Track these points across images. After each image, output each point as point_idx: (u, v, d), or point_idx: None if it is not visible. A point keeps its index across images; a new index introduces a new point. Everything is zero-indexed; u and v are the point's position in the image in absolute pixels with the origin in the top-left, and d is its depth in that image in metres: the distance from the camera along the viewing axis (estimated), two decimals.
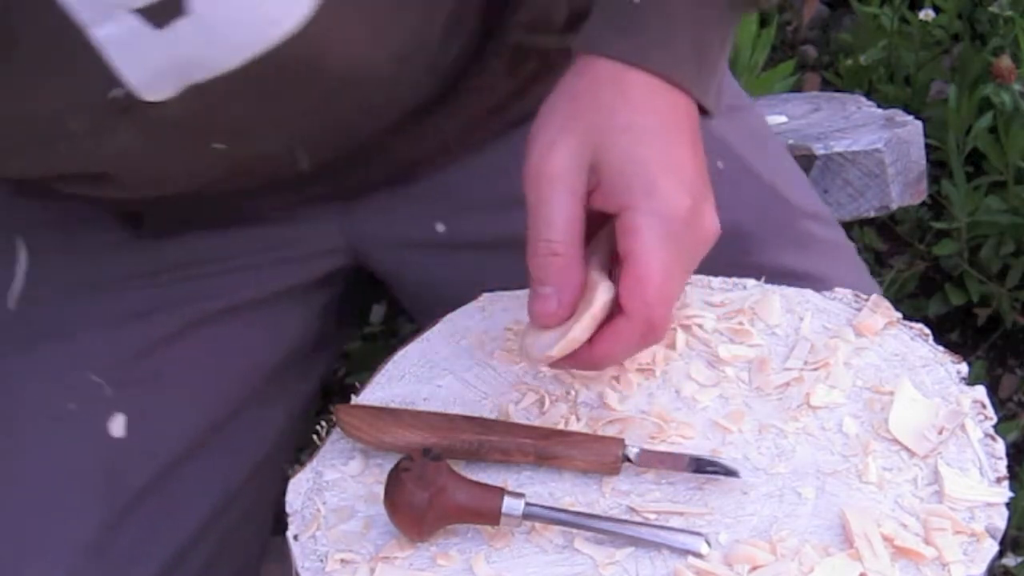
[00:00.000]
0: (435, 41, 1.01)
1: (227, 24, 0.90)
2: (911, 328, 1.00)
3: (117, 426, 1.04)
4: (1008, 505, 0.87)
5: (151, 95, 0.92)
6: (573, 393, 0.97)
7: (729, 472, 0.89)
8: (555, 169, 0.89)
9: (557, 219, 0.88)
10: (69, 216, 1.10)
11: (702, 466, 0.90)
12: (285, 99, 0.97)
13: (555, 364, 0.92)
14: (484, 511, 0.86)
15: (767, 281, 1.04)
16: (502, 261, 0.97)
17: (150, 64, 0.90)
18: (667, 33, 0.91)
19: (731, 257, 1.01)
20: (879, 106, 2.04)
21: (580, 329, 0.89)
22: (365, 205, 1.14)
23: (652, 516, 0.88)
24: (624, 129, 0.89)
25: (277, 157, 1.04)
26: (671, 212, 0.88)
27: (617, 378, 0.97)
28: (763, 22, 2.10)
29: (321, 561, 0.86)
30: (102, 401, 1.05)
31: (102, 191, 1.04)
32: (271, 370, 1.13)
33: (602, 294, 0.89)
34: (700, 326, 1.00)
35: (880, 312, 1.01)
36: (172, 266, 1.11)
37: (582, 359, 0.90)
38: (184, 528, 1.06)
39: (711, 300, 1.03)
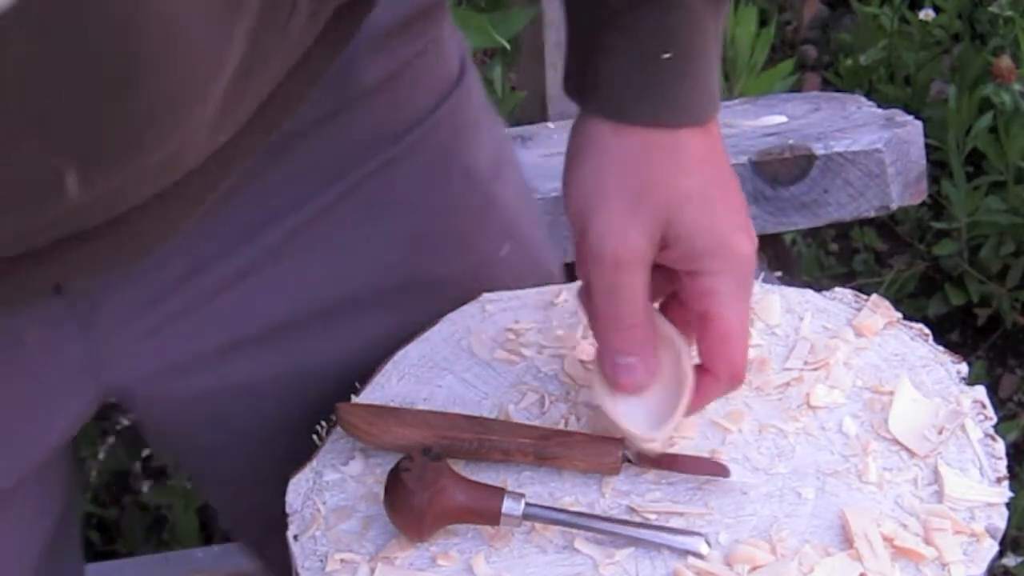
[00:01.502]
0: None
1: None
2: (911, 328, 1.00)
3: None
4: (1008, 505, 0.87)
5: None
6: (573, 393, 0.97)
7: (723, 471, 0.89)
8: (634, 255, 0.85)
9: (639, 299, 0.86)
10: None
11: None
12: (64, 69, 0.62)
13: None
14: (484, 511, 0.86)
15: None
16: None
17: None
18: (703, 78, 0.85)
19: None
20: (879, 106, 2.04)
21: (682, 411, 0.89)
22: (111, 306, 0.90)
23: (652, 516, 0.88)
24: (690, 198, 0.85)
25: (29, 178, 0.68)
26: (741, 265, 0.88)
27: None
28: (763, 22, 2.10)
29: (321, 561, 0.86)
30: None
31: None
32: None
33: (686, 360, 0.88)
34: None
35: (880, 312, 1.01)
36: None
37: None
38: None
39: None
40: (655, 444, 0.89)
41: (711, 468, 0.89)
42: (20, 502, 0.93)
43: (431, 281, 1.01)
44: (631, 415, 0.89)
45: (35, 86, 0.62)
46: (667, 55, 0.82)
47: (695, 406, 0.91)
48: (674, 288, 0.90)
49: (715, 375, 0.89)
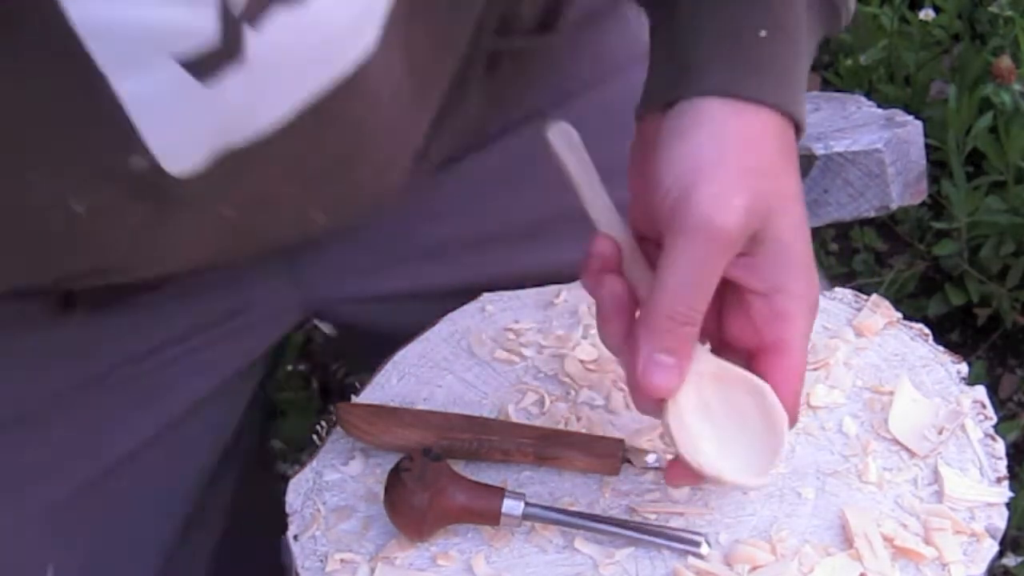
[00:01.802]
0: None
1: (282, 68, 0.75)
2: (911, 328, 1.00)
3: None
4: (1008, 505, 0.87)
5: (175, 165, 0.76)
6: (573, 393, 0.97)
7: None
8: (732, 234, 0.76)
9: (711, 289, 0.77)
10: None
11: None
12: (317, 157, 0.84)
13: (679, 480, 0.85)
14: (484, 511, 0.86)
15: None
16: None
17: (183, 126, 0.74)
18: (798, 73, 0.82)
19: None
20: (879, 106, 2.04)
21: (784, 447, 0.82)
22: (313, 254, 1.04)
23: (652, 516, 0.88)
24: (795, 198, 0.80)
25: (289, 221, 0.91)
26: (815, 300, 0.82)
27: (617, 380, 0.97)
28: None
29: (321, 561, 0.86)
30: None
31: (89, 282, 0.89)
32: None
33: (772, 397, 0.81)
34: None
35: (880, 312, 1.01)
36: (111, 360, 0.99)
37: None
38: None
39: None
40: (761, 482, 0.83)
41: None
42: (212, 409, 1.05)
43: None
44: (719, 457, 0.81)
45: (298, 163, 0.84)
46: (763, 32, 0.79)
47: None
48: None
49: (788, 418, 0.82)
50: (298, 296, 1.07)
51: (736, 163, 0.77)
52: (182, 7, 0.67)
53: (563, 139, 0.85)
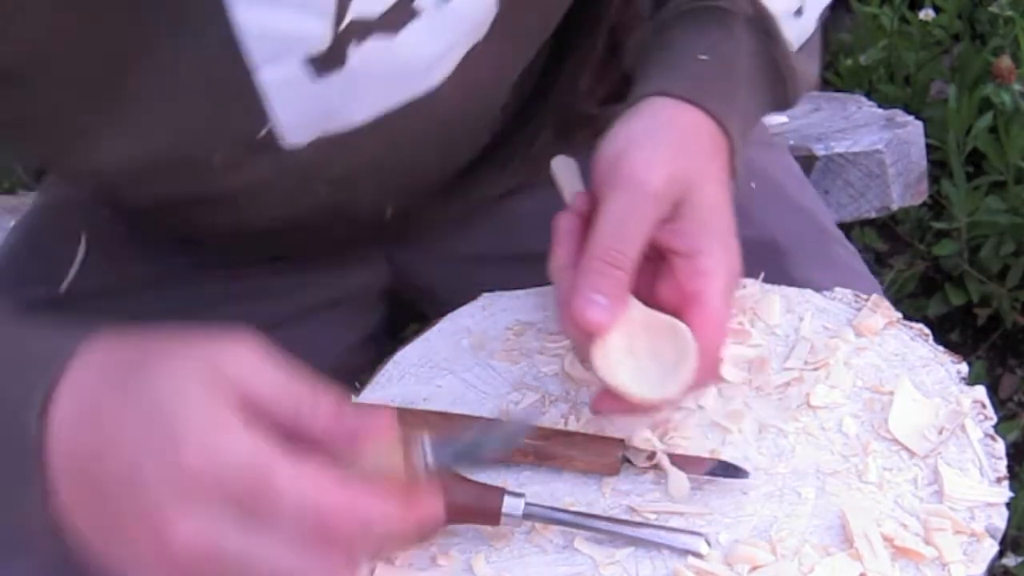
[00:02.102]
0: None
1: (372, 79, 0.93)
2: (911, 328, 1.00)
3: None
4: (1008, 505, 0.87)
5: (290, 140, 0.94)
6: (573, 393, 0.97)
7: (739, 473, 0.89)
8: (655, 188, 0.90)
9: (638, 236, 0.89)
10: (133, 226, 1.13)
11: (720, 469, 0.90)
12: (395, 152, 1.00)
13: (603, 405, 0.90)
14: (484, 511, 0.86)
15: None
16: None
17: (301, 111, 0.92)
18: (729, 92, 0.98)
19: (767, 270, 1.05)
20: (879, 106, 2.04)
21: (687, 377, 0.87)
22: (415, 243, 1.17)
23: (652, 516, 0.88)
24: (716, 180, 0.93)
25: (366, 206, 1.07)
26: (735, 271, 0.92)
27: None
28: None
29: None
30: None
31: (207, 216, 1.05)
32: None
33: (690, 339, 0.88)
34: None
35: (880, 312, 1.01)
36: (221, 287, 1.13)
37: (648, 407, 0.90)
38: None
39: None
40: (657, 402, 0.88)
41: (724, 471, 0.89)
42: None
43: None
44: (633, 381, 0.88)
45: (376, 157, 0.99)
46: (703, 56, 0.98)
47: (674, 401, 0.90)
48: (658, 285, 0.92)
49: (702, 356, 0.88)
50: (388, 268, 1.19)
51: (665, 139, 0.92)
52: (313, 19, 0.87)
53: (564, 168, 0.99)
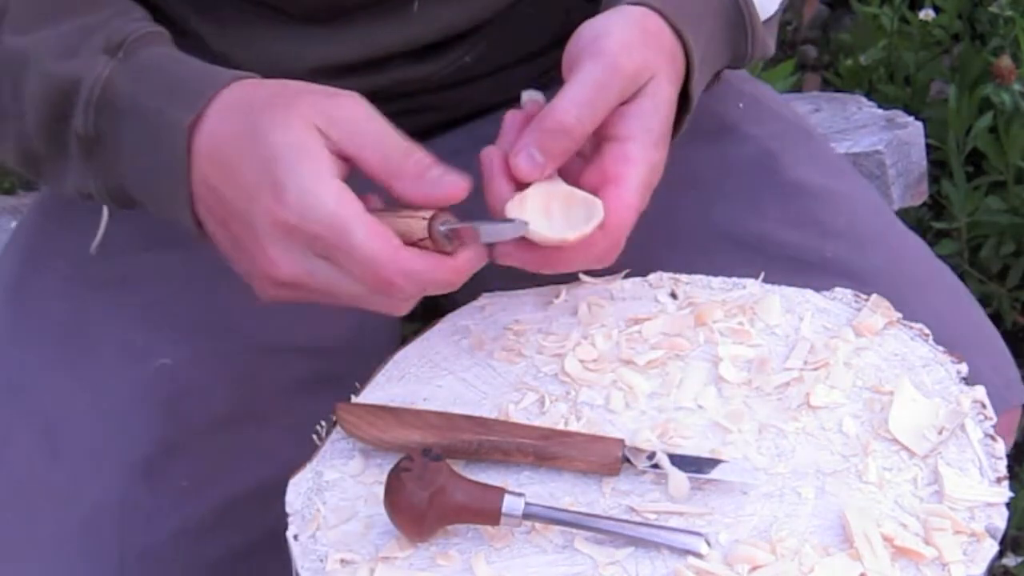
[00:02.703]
0: None
1: None
2: (911, 328, 1.00)
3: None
4: (1008, 505, 0.87)
5: None
6: (573, 393, 0.97)
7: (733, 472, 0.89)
8: (630, 70, 0.95)
9: (600, 110, 0.95)
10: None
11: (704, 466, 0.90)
12: None
13: (504, 254, 0.95)
14: (484, 511, 0.86)
15: (791, 195, 1.11)
16: None
17: None
18: (694, 11, 1.02)
19: (759, 176, 1.11)
20: (880, 107, 2.04)
21: (591, 227, 0.93)
22: None
23: (652, 516, 0.88)
24: (672, 82, 0.98)
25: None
26: (657, 169, 0.97)
27: (617, 380, 0.97)
28: None
29: (321, 561, 0.86)
30: (166, 340, 1.11)
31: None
32: (328, 357, 1.16)
33: (599, 209, 0.94)
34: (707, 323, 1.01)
35: (880, 312, 1.01)
36: None
37: (545, 256, 0.95)
38: (243, 475, 1.09)
39: (711, 300, 1.03)
40: (555, 241, 0.94)
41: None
42: None
43: None
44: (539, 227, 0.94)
45: None
46: None
47: (577, 253, 0.94)
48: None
49: (606, 232, 0.94)
50: None
51: (640, 32, 0.97)
52: None
53: (534, 99, 1.01)
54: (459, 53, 1.17)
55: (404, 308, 0.94)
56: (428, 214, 0.91)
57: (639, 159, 0.96)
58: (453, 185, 0.91)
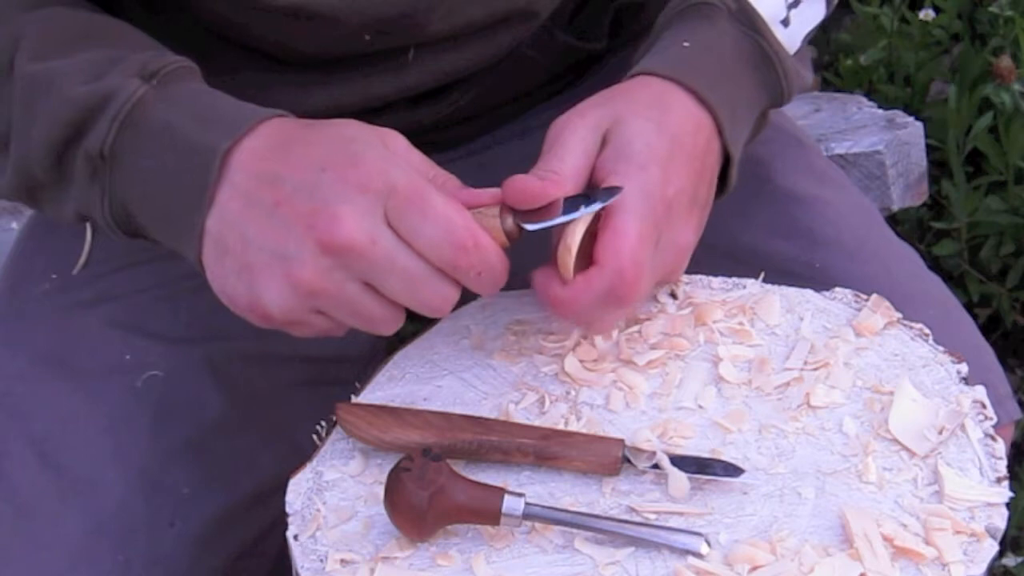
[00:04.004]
0: None
1: None
2: (911, 328, 1.00)
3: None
4: (1008, 505, 0.87)
5: None
6: (573, 393, 0.97)
7: (730, 471, 0.89)
8: (576, 124, 0.96)
9: (568, 159, 0.95)
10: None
11: (703, 466, 0.90)
12: None
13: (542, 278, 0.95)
14: (484, 511, 0.86)
15: (781, 203, 1.12)
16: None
17: None
18: (711, 72, 1.02)
19: (750, 184, 1.10)
20: (879, 107, 2.04)
21: (583, 222, 0.93)
22: None
23: (652, 516, 0.88)
24: (647, 117, 0.97)
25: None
26: (655, 196, 0.95)
27: (617, 380, 0.97)
28: None
29: (321, 561, 0.86)
30: (156, 353, 1.11)
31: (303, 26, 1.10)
32: (316, 362, 1.17)
33: (588, 219, 0.93)
34: (707, 323, 1.01)
35: (880, 312, 1.01)
36: None
37: (553, 296, 0.94)
38: (242, 480, 1.10)
39: (711, 300, 1.03)
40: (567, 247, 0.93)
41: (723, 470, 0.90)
42: None
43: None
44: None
45: None
46: (686, 44, 1.03)
47: (577, 291, 0.93)
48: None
49: (600, 265, 0.92)
50: None
51: (598, 96, 0.99)
52: None
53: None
54: (454, 98, 1.18)
55: (397, 323, 0.93)
56: (496, 210, 0.92)
57: (625, 182, 0.94)
58: (483, 198, 0.93)
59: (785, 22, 1.06)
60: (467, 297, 1.05)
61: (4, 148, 1.00)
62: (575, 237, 0.93)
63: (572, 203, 0.93)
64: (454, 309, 1.04)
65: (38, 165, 0.98)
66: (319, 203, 0.89)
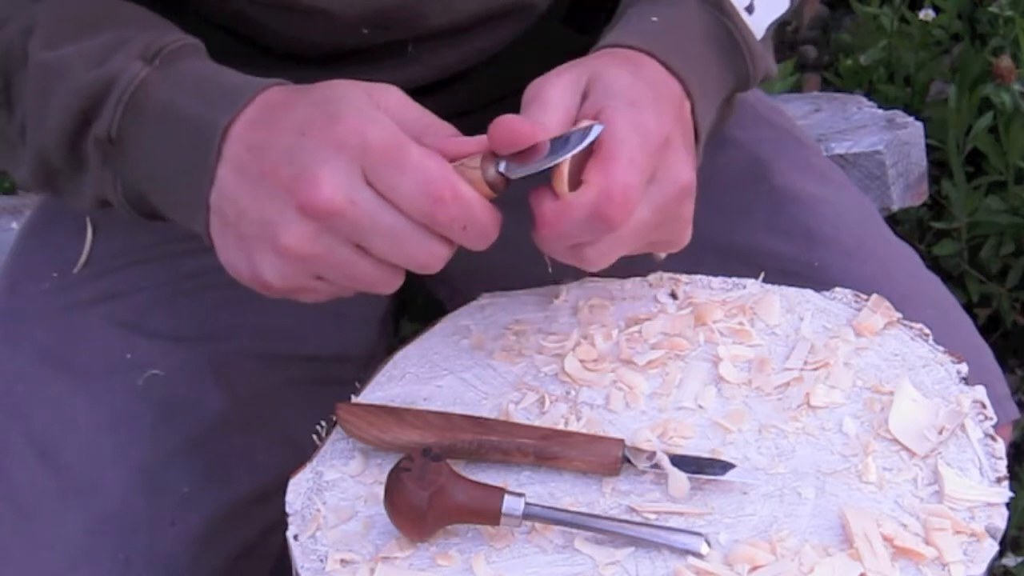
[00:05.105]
0: None
1: None
2: (911, 328, 1.00)
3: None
4: (1008, 505, 0.87)
5: None
6: (573, 393, 0.97)
7: (717, 468, 0.89)
8: (553, 82, 0.95)
9: (549, 111, 0.93)
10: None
11: (702, 466, 0.90)
12: None
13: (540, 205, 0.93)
14: (484, 511, 0.86)
15: (780, 202, 1.12)
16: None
17: None
18: (679, 46, 1.01)
19: (748, 183, 1.11)
20: (879, 107, 2.04)
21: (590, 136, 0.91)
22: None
23: (652, 516, 0.88)
24: (625, 70, 0.96)
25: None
26: (648, 128, 0.93)
27: (617, 380, 0.97)
28: None
29: (321, 561, 0.86)
30: (157, 351, 1.11)
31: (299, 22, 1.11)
32: (317, 361, 1.17)
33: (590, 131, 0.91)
34: (707, 323, 1.01)
35: (880, 312, 1.01)
36: None
37: (542, 211, 0.92)
38: (242, 479, 1.10)
39: (711, 300, 1.03)
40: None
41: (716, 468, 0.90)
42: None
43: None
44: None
45: None
46: (654, 19, 1.02)
47: (562, 209, 0.91)
48: None
49: (587, 185, 0.90)
50: None
51: (571, 63, 0.97)
52: None
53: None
54: (453, 91, 1.17)
55: (396, 282, 0.91)
56: (477, 161, 0.90)
57: (615, 116, 0.92)
58: (469, 147, 0.91)
59: (749, 9, 1.06)
60: (468, 297, 1.06)
61: (23, 139, 1.00)
62: (566, 165, 0.91)
63: (557, 144, 0.91)
64: (454, 309, 1.05)
65: (55, 154, 0.98)
66: (298, 168, 0.88)
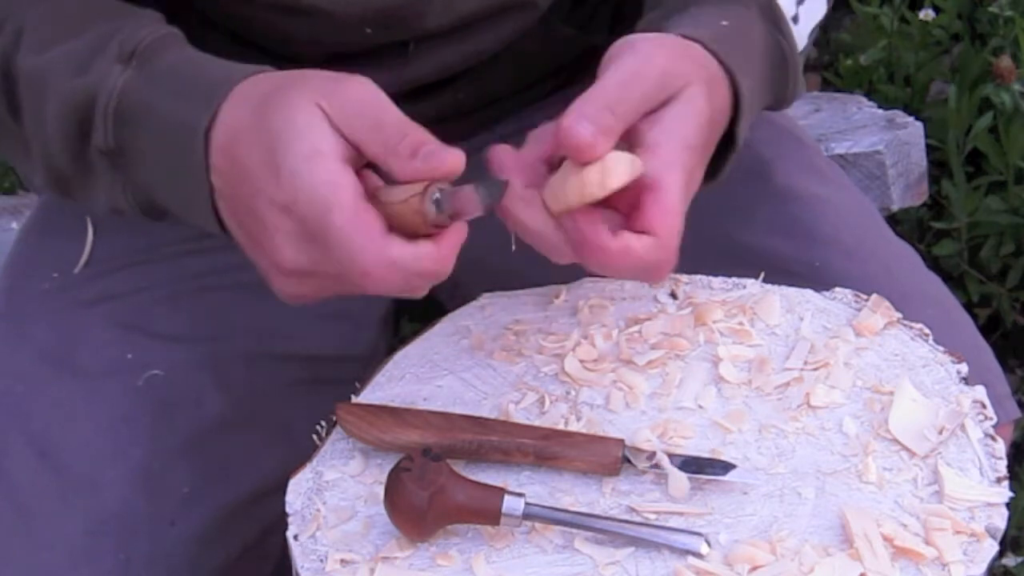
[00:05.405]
0: None
1: None
2: (911, 328, 1.00)
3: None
4: (1008, 505, 0.87)
5: None
6: (573, 393, 0.97)
7: (718, 468, 0.89)
8: (653, 72, 0.93)
9: (627, 103, 0.91)
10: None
11: (701, 466, 0.90)
12: None
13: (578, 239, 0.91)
14: (484, 511, 0.86)
15: (782, 203, 1.12)
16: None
17: None
18: (743, 58, 1.00)
19: (751, 183, 1.11)
20: (879, 107, 2.04)
21: (625, 161, 0.90)
22: None
23: (652, 516, 0.88)
24: (706, 97, 0.95)
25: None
26: (693, 176, 0.94)
27: (617, 380, 0.97)
28: None
29: (321, 561, 0.86)
30: (157, 351, 1.12)
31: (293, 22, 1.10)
32: (317, 361, 1.17)
33: (636, 160, 0.90)
34: (707, 323, 1.01)
35: (880, 312, 1.01)
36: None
37: (599, 244, 0.90)
38: (243, 479, 1.10)
39: (711, 300, 1.03)
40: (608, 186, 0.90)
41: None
42: None
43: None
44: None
45: None
46: (724, 23, 1.01)
47: (619, 259, 0.90)
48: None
49: (656, 236, 0.90)
50: None
51: (671, 46, 0.96)
52: None
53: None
54: (454, 90, 1.17)
55: (421, 289, 0.89)
56: (421, 187, 0.86)
57: (676, 162, 0.92)
58: (443, 158, 0.87)
59: (795, 19, 1.06)
60: (468, 297, 1.06)
61: (28, 148, 1.00)
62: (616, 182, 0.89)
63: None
64: (454, 309, 1.05)
65: (60, 161, 0.98)
66: (261, 231, 0.89)
